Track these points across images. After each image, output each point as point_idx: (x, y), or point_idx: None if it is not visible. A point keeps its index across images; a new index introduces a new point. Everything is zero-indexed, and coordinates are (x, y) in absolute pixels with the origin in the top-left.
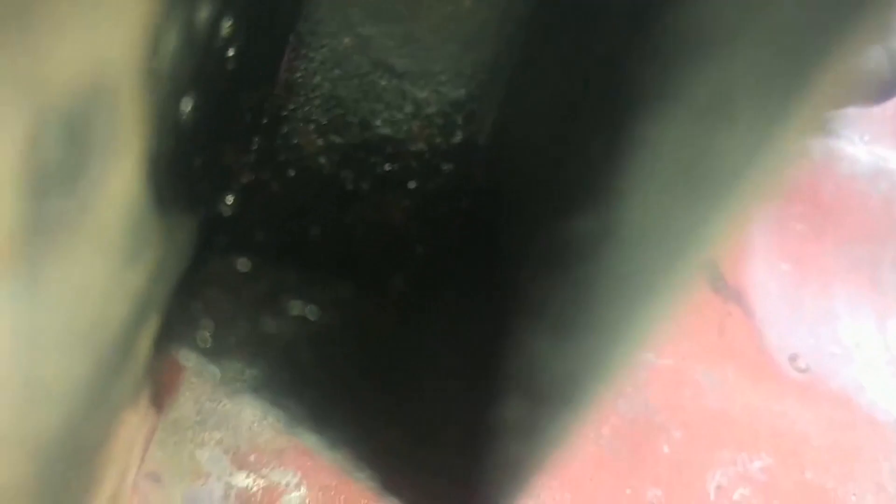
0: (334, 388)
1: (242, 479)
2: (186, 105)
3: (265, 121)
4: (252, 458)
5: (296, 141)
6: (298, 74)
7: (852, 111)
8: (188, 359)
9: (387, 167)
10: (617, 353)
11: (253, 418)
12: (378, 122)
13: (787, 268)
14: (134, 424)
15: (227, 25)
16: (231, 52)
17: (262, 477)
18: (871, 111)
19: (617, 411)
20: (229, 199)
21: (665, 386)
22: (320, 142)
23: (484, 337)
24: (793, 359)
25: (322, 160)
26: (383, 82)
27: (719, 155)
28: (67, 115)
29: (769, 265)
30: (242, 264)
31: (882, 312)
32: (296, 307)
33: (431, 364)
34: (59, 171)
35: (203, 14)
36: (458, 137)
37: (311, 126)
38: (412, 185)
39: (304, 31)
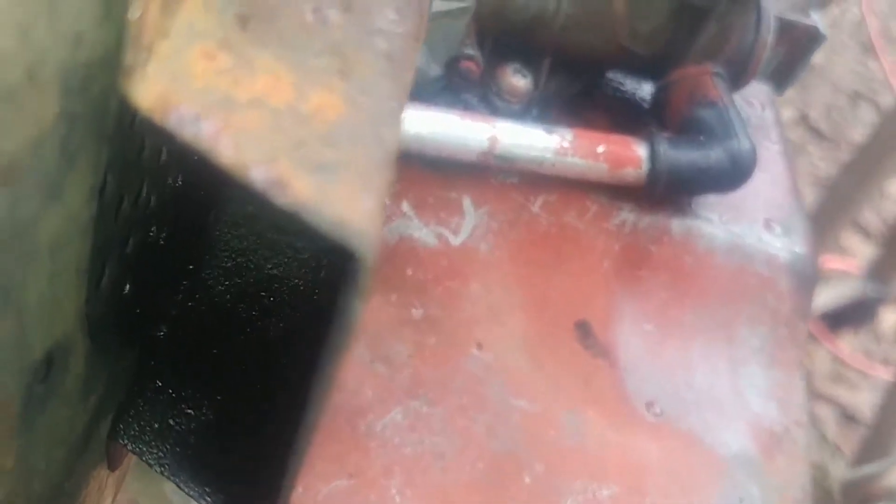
0: (207, 458)
1: None
2: (127, 289)
3: (191, 267)
4: None
5: (210, 282)
6: (216, 232)
7: (712, 197)
8: (126, 443)
9: (272, 299)
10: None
11: None
12: (269, 266)
13: (650, 328)
14: (101, 476)
15: (162, 236)
16: (162, 237)
17: None
18: (727, 196)
19: (490, 448)
20: (163, 330)
21: (532, 427)
22: (226, 282)
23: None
24: (649, 405)
25: (226, 296)
26: (274, 236)
27: None
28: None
29: (635, 326)
30: (158, 383)
31: (735, 363)
32: (189, 409)
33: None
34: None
35: (148, 235)
36: (322, 274)
37: (220, 271)
38: (288, 311)
39: (221, 203)
